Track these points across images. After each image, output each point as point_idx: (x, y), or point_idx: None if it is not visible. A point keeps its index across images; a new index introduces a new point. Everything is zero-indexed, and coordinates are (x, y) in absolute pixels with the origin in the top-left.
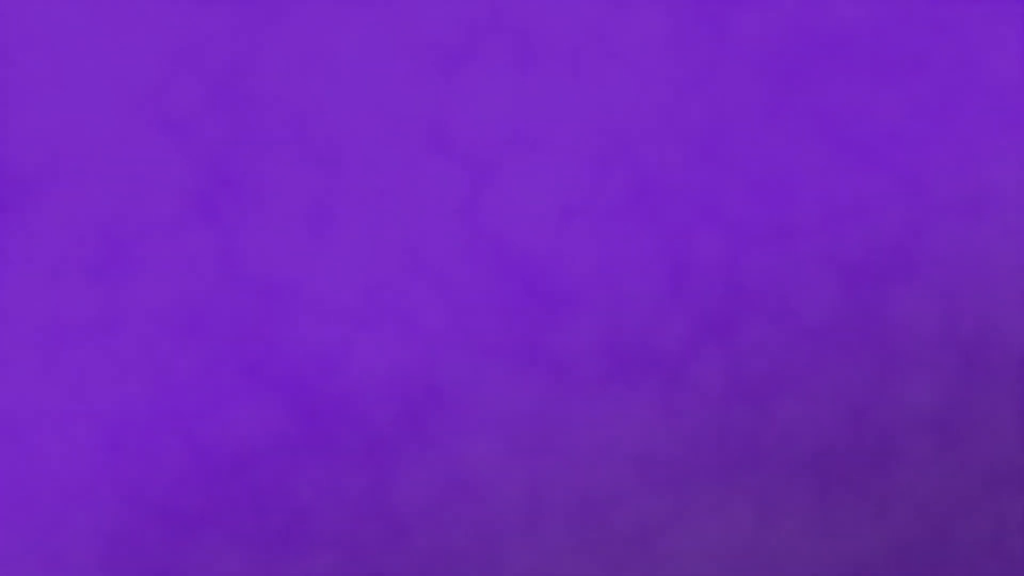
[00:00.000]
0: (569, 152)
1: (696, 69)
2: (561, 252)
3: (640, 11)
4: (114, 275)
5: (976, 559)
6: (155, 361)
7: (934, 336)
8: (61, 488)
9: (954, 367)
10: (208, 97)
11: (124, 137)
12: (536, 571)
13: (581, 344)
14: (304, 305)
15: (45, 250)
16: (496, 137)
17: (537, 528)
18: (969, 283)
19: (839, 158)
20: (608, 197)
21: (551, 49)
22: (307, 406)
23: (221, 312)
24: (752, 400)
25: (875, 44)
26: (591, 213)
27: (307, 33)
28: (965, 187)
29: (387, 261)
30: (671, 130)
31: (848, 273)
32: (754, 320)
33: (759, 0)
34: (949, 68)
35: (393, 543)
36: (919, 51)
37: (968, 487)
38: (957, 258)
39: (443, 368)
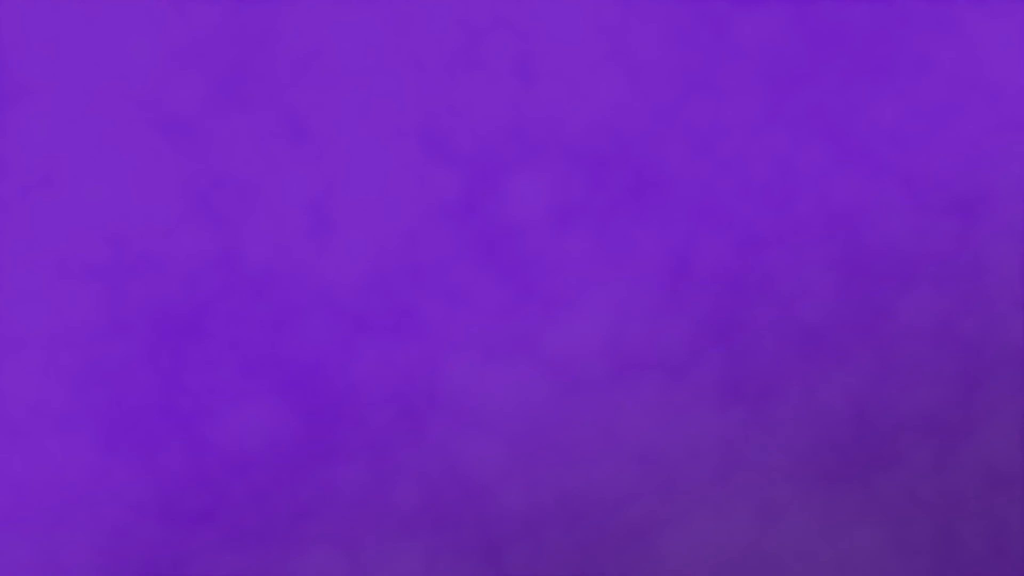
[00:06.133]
0: (569, 152)
1: (696, 69)
2: (561, 251)
3: (639, 11)
4: (113, 275)
5: (976, 559)
6: (156, 361)
7: (934, 336)
8: (61, 489)
9: (954, 367)
10: (208, 97)
11: (124, 137)
12: (536, 571)
13: (581, 344)
14: (305, 306)
15: (46, 250)
16: (496, 137)
17: (537, 528)
18: (969, 283)
19: (839, 158)
20: (608, 197)
21: (551, 49)
22: (308, 406)
23: (221, 312)
24: (752, 400)
25: (875, 44)
26: (591, 213)
27: (308, 33)
28: (965, 187)
29: (387, 261)
30: (671, 130)
31: (848, 273)
32: (754, 320)
33: (759, 0)
34: (949, 69)
35: (393, 543)
36: (919, 52)
37: (968, 487)
38: (957, 258)
39: (443, 368)
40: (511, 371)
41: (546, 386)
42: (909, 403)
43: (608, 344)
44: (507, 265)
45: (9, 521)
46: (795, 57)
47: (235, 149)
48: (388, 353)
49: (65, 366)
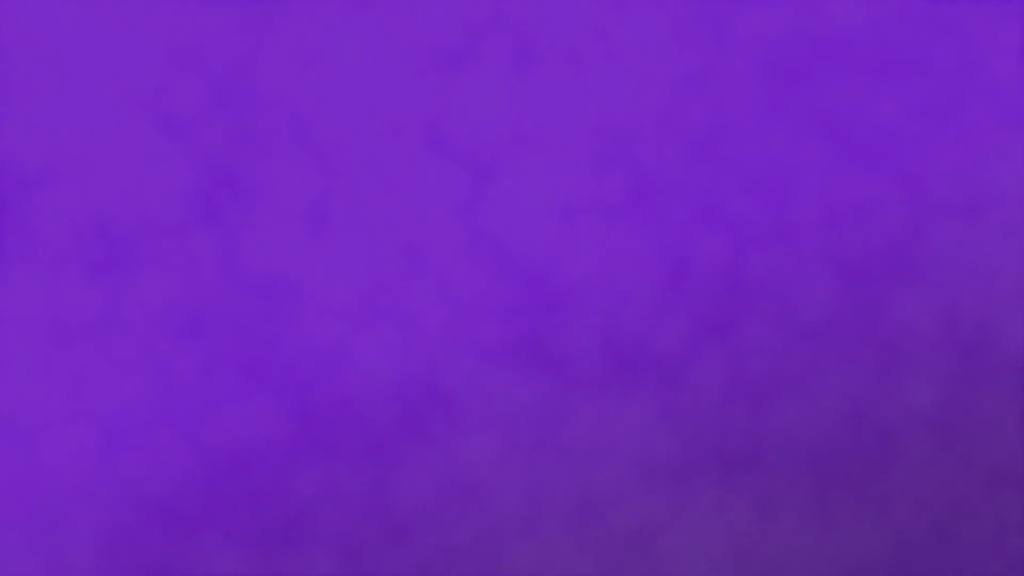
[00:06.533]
0: (569, 152)
1: (696, 69)
2: (561, 252)
3: (640, 11)
4: (115, 275)
5: (976, 559)
6: (155, 361)
7: (934, 336)
8: (61, 488)
9: (954, 367)
10: (209, 97)
11: (125, 137)
12: (536, 571)
13: (581, 344)
14: (305, 306)
15: (45, 250)
16: (496, 137)
17: (537, 528)
18: (969, 283)
19: (839, 158)
20: (608, 197)
21: (551, 49)
22: (308, 406)
23: (222, 312)
24: (752, 400)
25: (875, 45)
26: (591, 213)
27: (307, 33)
28: (965, 187)
29: (387, 262)
30: (671, 130)
31: (848, 273)
32: (754, 320)
33: (759, 0)
34: (949, 69)
35: (393, 543)
36: (919, 52)
37: (968, 487)
38: (957, 258)
39: (443, 368)
40: (511, 371)
41: (546, 386)
42: (909, 403)
43: (608, 344)
44: (507, 264)
45: (9, 521)
46: (795, 57)
47: (235, 149)
48: (388, 353)
49: (65, 366)
